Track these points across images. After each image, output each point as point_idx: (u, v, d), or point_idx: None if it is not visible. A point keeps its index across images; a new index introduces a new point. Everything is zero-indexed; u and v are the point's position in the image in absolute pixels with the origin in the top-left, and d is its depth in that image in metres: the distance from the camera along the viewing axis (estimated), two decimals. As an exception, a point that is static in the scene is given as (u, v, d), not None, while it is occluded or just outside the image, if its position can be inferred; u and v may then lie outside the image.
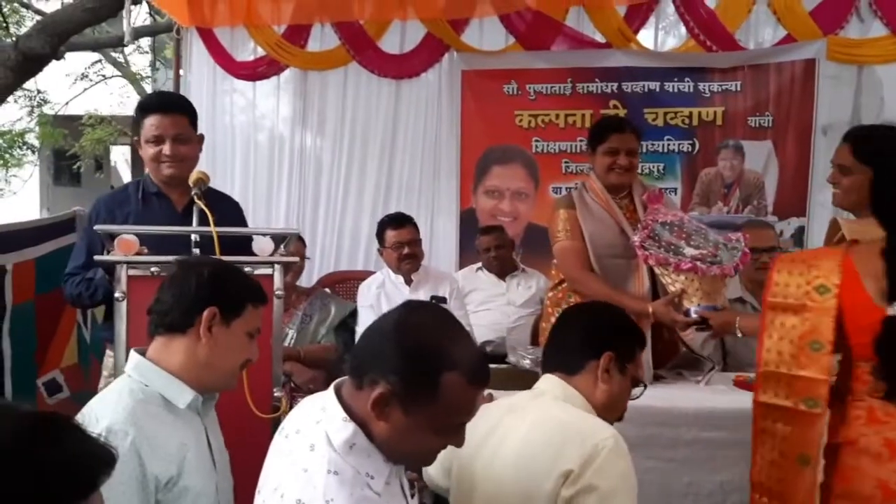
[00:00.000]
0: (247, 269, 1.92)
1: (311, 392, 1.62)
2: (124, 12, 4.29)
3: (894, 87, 4.23)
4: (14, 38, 6.76)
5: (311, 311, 3.42)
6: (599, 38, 4.43)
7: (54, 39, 5.42)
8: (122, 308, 1.98)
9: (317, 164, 4.69)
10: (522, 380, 2.55)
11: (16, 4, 9.53)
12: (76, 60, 9.79)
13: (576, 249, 2.82)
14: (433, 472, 1.84)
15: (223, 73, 4.63)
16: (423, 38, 4.52)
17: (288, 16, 4.53)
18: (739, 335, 2.39)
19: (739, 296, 3.13)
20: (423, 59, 4.55)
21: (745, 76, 4.33)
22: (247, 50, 4.67)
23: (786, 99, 4.29)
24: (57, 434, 0.84)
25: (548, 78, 4.46)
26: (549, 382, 1.72)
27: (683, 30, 4.42)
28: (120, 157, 17.31)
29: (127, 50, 10.82)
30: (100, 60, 10.87)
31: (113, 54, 10.91)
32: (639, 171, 3.11)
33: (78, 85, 11.10)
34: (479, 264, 4.15)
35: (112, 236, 2.03)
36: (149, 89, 11.17)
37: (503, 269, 4.09)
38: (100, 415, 1.46)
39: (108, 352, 2.44)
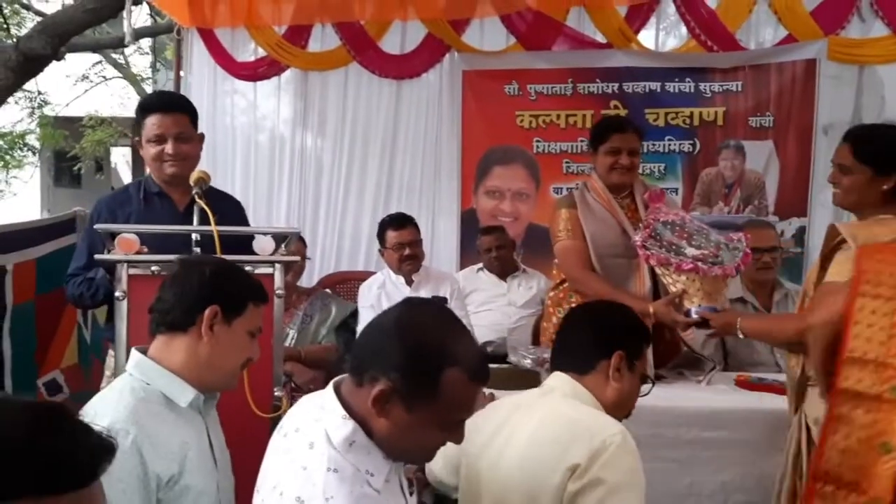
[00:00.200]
0: (247, 268, 1.92)
1: (312, 392, 1.62)
2: (125, 13, 4.29)
3: (895, 87, 4.23)
4: (15, 39, 6.76)
5: (312, 312, 3.42)
6: (600, 38, 4.43)
7: (55, 40, 5.42)
8: (122, 307, 1.97)
9: (317, 165, 4.69)
10: (523, 379, 2.55)
11: (17, 5, 9.54)
12: (77, 61, 9.80)
13: (577, 249, 2.82)
14: (438, 470, 1.84)
15: (224, 74, 4.63)
16: (423, 38, 4.52)
17: (288, 16, 4.53)
18: (741, 336, 2.39)
19: (740, 296, 3.13)
20: (424, 60, 4.55)
21: (746, 76, 4.32)
22: (247, 50, 4.67)
23: (787, 99, 4.29)
24: (58, 424, 0.85)
25: (549, 78, 4.46)
26: (559, 380, 1.72)
27: (684, 30, 4.42)
28: (120, 158, 17.31)
29: (127, 51, 10.84)
30: (100, 61, 10.88)
31: (113, 55, 10.92)
32: (640, 171, 3.11)
33: (79, 86, 11.13)
34: (480, 265, 4.15)
35: (113, 236, 2.02)
36: (149, 90, 11.16)
37: (504, 269, 4.08)
38: (101, 413, 1.46)
39: (112, 351, 2.43)
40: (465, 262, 4.45)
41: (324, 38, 4.59)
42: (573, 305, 2.89)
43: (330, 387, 1.34)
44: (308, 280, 4.11)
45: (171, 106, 2.47)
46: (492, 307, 3.98)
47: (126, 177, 16.74)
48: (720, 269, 2.45)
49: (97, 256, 2.09)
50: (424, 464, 1.82)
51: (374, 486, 1.24)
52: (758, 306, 3.14)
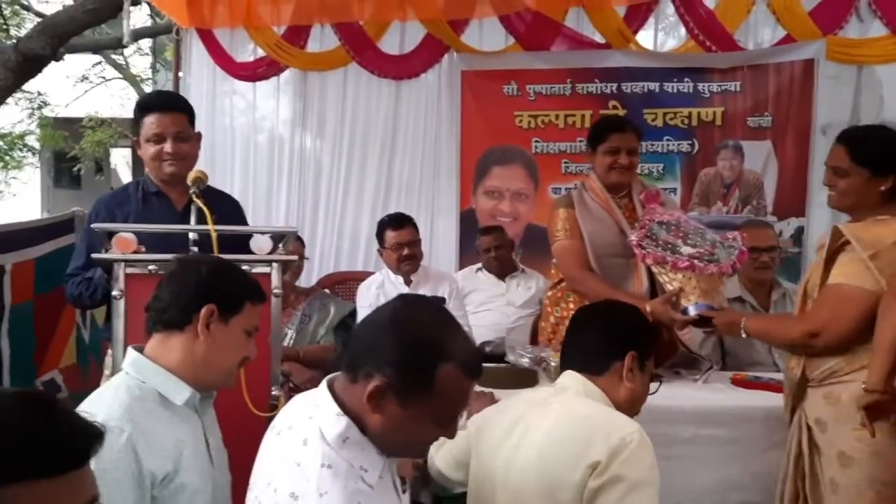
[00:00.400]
0: (245, 267, 1.92)
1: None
2: (123, 13, 4.30)
3: (894, 86, 4.23)
4: (14, 40, 6.77)
5: (311, 312, 3.42)
6: (599, 38, 4.44)
7: (54, 41, 5.43)
8: (119, 306, 1.97)
9: (316, 165, 4.70)
10: (521, 378, 2.56)
11: (16, 6, 9.55)
12: (76, 62, 9.82)
13: (575, 249, 2.82)
14: (441, 464, 1.85)
15: (223, 74, 4.63)
16: (422, 38, 4.53)
17: (287, 17, 4.54)
18: (744, 335, 2.38)
19: (738, 295, 3.12)
20: (423, 60, 4.55)
21: (745, 76, 4.33)
22: (246, 51, 4.67)
23: (785, 99, 4.29)
24: (48, 409, 0.89)
25: (547, 78, 4.47)
26: (571, 379, 1.73)
27: (683, 30, 4.43)
28: (120, 159, 17.33)
29: (127, 52, 10.86)
30: (100, 62, 10.90)
31: (113, 56, 10.94)
32: (638, 171, 3.11)
33: (78, 87, 11.15)
34: (479, 265, 4.15)
35: (110, 235, 2.03)
36: (149, 91, 11.17)
37: (503, 269, 4.09)
38: (95, 411, 1.45)
39: (110, 351, 2.44)
40: (464, 262, 4.45)
41: (323, 39, 4.60)
42: (570, 305, 2.90)
43: (324, 384, 1.34)
44: (307, 280, 4.12)
45: (170, 105, 2.47)
46: (491, 307, 3.98)
47: (126, 178, 16.75)
48: (716, 266, 2.45)
49: (94, 256, 2.09)
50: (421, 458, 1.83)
51: (367, 482, 1.25)
52: (756, 306, 3.14)
